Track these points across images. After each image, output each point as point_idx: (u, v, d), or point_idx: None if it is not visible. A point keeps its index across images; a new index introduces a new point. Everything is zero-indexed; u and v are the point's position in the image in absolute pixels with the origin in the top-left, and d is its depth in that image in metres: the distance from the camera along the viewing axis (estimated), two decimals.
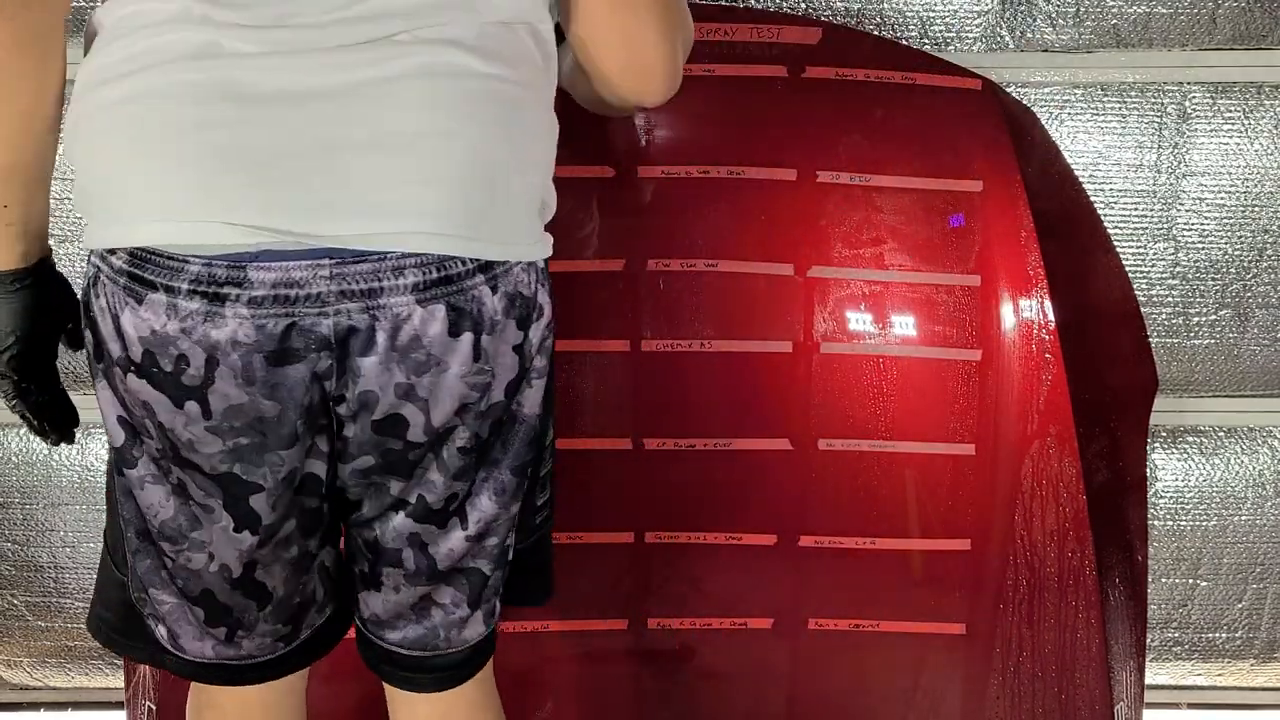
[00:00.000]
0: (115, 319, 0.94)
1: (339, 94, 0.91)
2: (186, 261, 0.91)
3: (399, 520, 1.05)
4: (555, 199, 1.04)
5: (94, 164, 0.95)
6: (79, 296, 1.00)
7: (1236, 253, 1.74)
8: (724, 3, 1.62)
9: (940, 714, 1.59)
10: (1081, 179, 1.63)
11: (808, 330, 1.50)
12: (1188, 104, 1.68)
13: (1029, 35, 1.66)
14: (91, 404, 1.05)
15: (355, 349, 0.94)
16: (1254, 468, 1.84)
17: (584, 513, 1.51)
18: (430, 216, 0.93)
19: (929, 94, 1.52)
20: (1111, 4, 1.65)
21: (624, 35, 1.04)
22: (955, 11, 1.65)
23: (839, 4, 1.64)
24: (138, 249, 0.92)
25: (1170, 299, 1.76)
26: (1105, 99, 1.69)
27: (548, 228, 1.04)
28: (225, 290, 0.91)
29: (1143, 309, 1.62)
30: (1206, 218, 1.73)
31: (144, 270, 0.92)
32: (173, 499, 1.02)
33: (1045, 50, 1.67)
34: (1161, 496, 1.85)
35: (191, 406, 0.95)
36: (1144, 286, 1.74)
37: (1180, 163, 1.71)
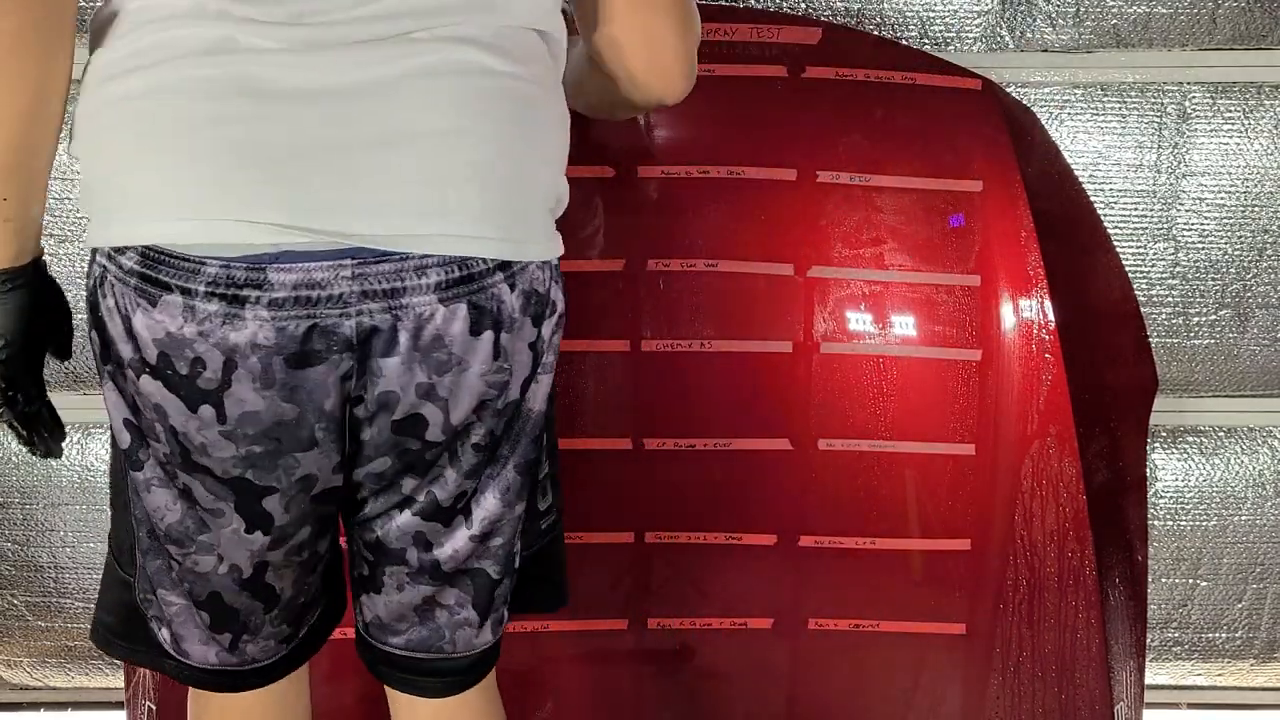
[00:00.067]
0: (127, 320, 0.93)
1: (358, 91, 0.90)
2: (203, 263, 0.90)
3: (403, 519, 1.04)
4: (568, 194, 1.04)
5: (104, 161, 0.93)
6: (85, 297, 0.98)
7: (1236, 253, 1.74)
8: (724, 3, 1.62)
9: (940, 714, 1.59)
10: (1081, 179, 1.63)
11: (808, 330, 1.50)
12: (1188, 104, 1.68)
13: (1029, 35, 1.66)
14: (91, 404, 1.04)
15: (377, 350, 0.93)
16: (1254, 468, 1.84)
17: (584, 513, 1.51)
18: (454, 216, 0.93)
19: (929, 94, 1.52)
20: (1111, 4, 1.65)
21: (646, 35, 1.06)
22: (955, 11, 1.65)
23: (839, 4, 1.64)
24: (150, 249, 0.91)
25: (1170, 299, 1.76)
26: (1105, 99, 1.69)
27: None
28: (245, 292, 0.90)
29: (1143, 309, 1.62)
30: (1206, 218, 1.73)
31: (157, 271, 0.90)
32: (179, 503, 1.01)
33: (1045, 50, 1.67)
34: (1161, 496, 1.85)
35: (206, 410, 0.93)
36: (1144, 286, 1.74)
37: (1180, 163, 1.71)
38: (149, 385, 0.94)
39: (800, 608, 1.57)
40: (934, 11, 1.65)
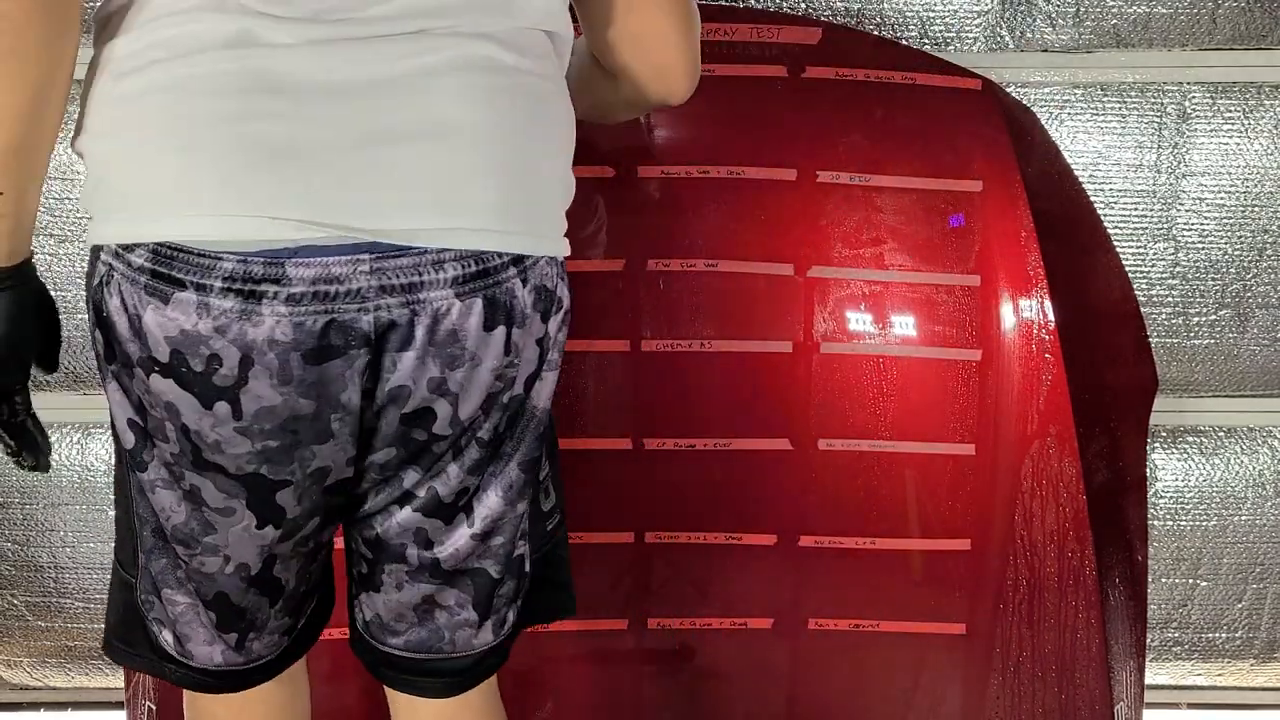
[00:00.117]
0: (136, 319, 0.91)
1: (376, 87, 0.90)
2: (219, 258, 0.88)
3: (404, 515, 1.04)
4: (574, 189, 1.04)
5: (115, 156, 0.91)
6: (86, 297, 0.97)
7: (1236, 253, 1.74)
8: (724, 3, 1.62)
9: (940, 714, 1.59)
10: (1081, 179, 1.63)
11: (808, 330, 1.50)
12: (1188, 104, 1.68)
13: (1029, 35, 1.66)
14: (91, 404, 1.04)
15: (392, 344, 0.93)
16: (1254, 468, 1.84)
17: (584, 513, 1.51)
18: (473, 211, 0.93)
19: (929, 94, 1.52)
20: (1111, 4, 1.65)
21: (654, 33, 1.07)
22: (955, 11, 1.65)
23: (839, 4, 1.64)
24: (162, 246, 0.89)
25: (1170, 299, 1.76)
26: (1105, 99, 1.69)
27: None
28: (262, 288, 0.89)
29: (1143, 309, 1.62)
30: (1206, 218, 1.73)
31: (170, 268, 0.89)
32: (184, 505, 1.00)
33: (1045, 50, 1.67)
34: (1161, 496, 1.85)
35: (221, 407, 0.92)
36: (1144, 286, 1.74)
37: (1180, 163, 1.71)
38: (160, 384, 0.93)
39: (800, 608, 1.57)
40: (934, 11, 1.65)
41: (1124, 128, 1.70)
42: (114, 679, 1.91)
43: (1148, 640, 1.67)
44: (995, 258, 1.50)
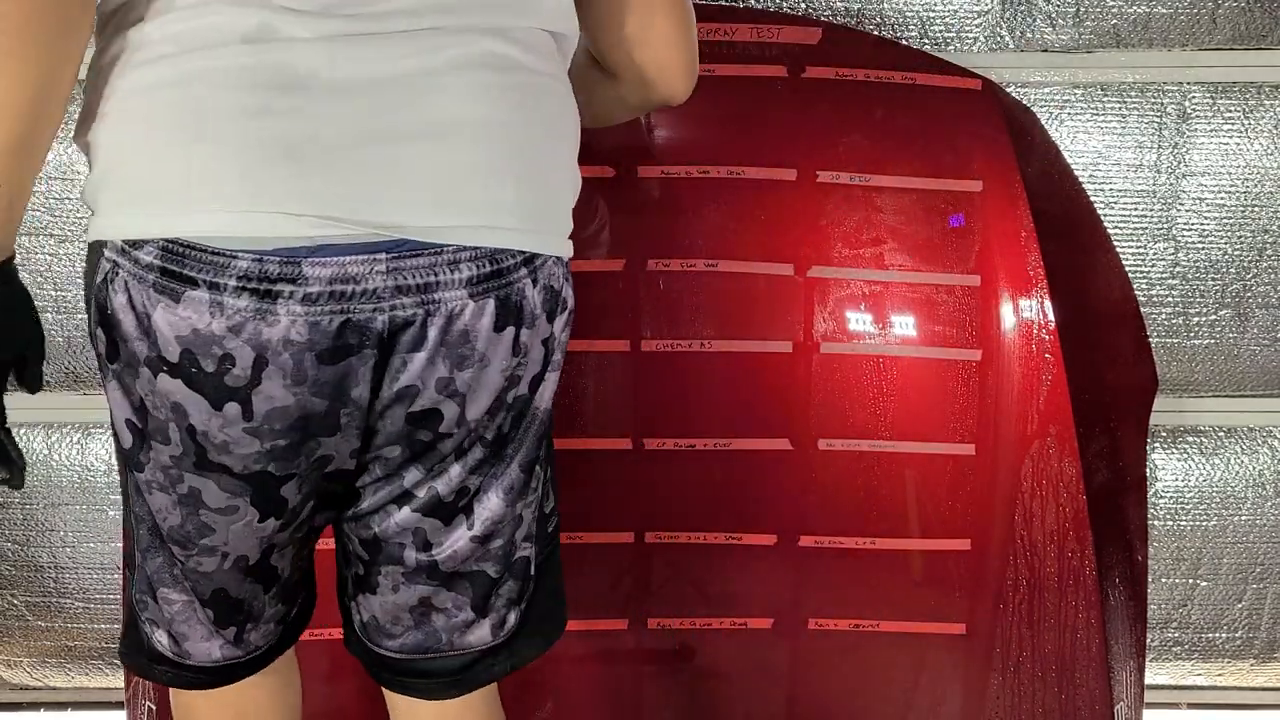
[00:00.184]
0: (144, 317, 0.89)
1: (394, 83, 0.89)
2: (234, 256, 0.87)
3: (402, 515, 1.03)
4: (580, 189, 1.05)
5: (125, 148, 0.89)
6: (87, 295, 0.94)
7: (1236, 253, 1.74)
8: (724, 3, 1.62)
9: (940, 714, 1.59)
10: (1081, 179, 1.63)
11: (808, 330, 1.50)
12: (1188, 104, 1.68)
13: (1029, 35, 1.66)
14: (91, 404, 1.02)
15: (404, 344, 0.92)
16: (1254, 468, 1.84)
17: (584, 513, 1.51)
18: (492, 208, 0.93)
19: (929, 94, 1.52)
20: (1111, 4, 1.65)
21: (657, 34, 1.08)
22: (955, 11, 1.65)
23: (839, 4, 1.64)
24: (173, 242, 0.87)
25: (1170, 299, 1.76)
26: (1105, 99, 1.69)
27: None
28: (278, 287, 0.87)
29: (1143, 309, 1.62)
30: (1206, 218, 1.73)
31: (181, 265, 0.87)
32: (179, 509, 0.99)
33: (1045, 50, 1.67)
34: (1161, 496, 1.85)
35: (232, 408, 0.91)
36: (1144, 286, 1.74)
37: (1180, 163, 1.71)
38: (168, 384, 0.91)
39: (800, 608, 1.57)
40: (934, 11, 1.65)
41: (1124, 128, 1.70)
42: (114, 679, 1.91)
43: (1148, 640, 1.67)
44: (995, 258, 1.50)
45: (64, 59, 0.86)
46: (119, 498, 1.07)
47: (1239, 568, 1.88)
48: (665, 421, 1.51)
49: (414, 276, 0.90)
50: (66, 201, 1.70)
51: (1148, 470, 1.64)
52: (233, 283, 0.87)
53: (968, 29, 1.66)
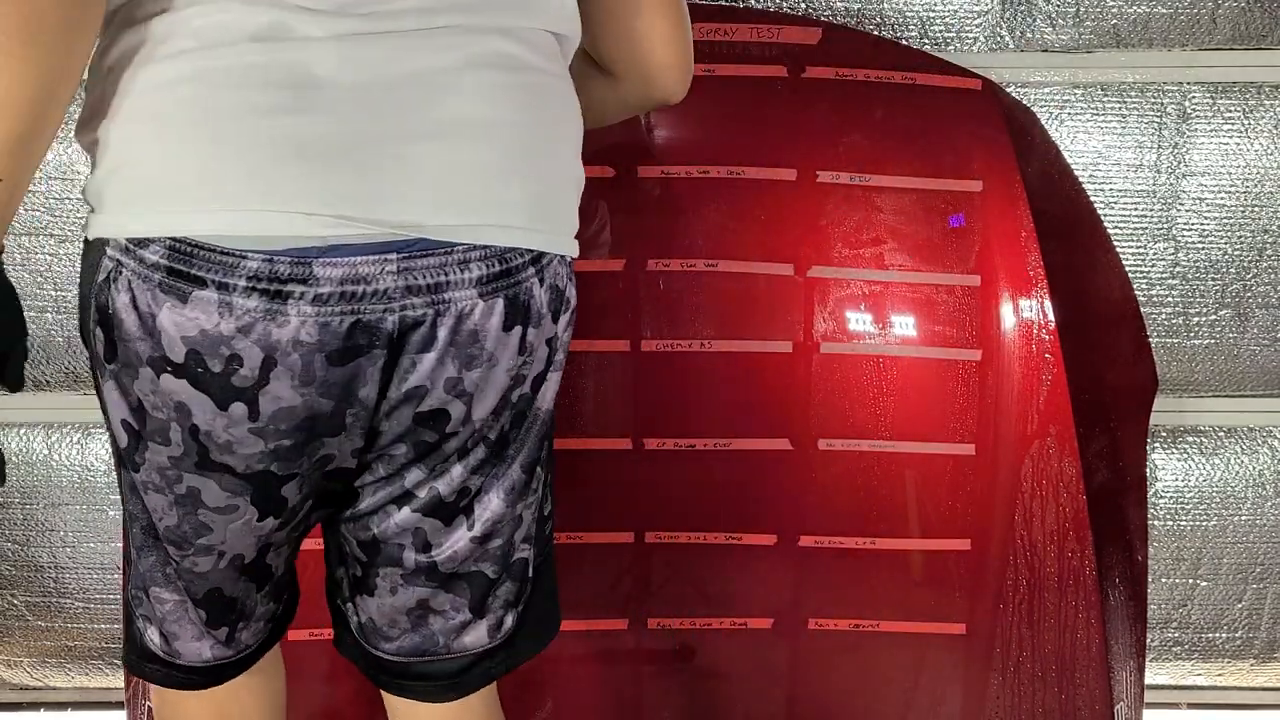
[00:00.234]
0: (149, 317, 0.88)
1: (406, 82, 0.88)
2: (243, 256, 0.86)
3: (402, 515, 1.03)
4: (583, 188, 1.05)
5: (133, 145, 0.87)
6: (86, 294, 0.92)
7: (1236, 253, 1.74)
8: (724, 3, 1.62)
9: (940, 714, 1.59)
10: (1081, 179, 1.63)
11: (808, 330, 1.50)
12: (1188, 104, 1.68)
13: (1029, 35, 1.66)
14: (91, 404, 1.01)
15: (413, 345, 0.92)
16: (1254, 468, 1.84)
17: (584, 513, 1.51)
18: (504, 209, 0.92)
19: (929, 94, 1.52)
20: (1111, 4, 1.65)
21: (658, 33, 1.08)
22: (955, 11, 1.65)
23: (839, 4, 1.64)
24: (181, 241, 0.86)
25: (1170, 299, 1.76)
26: (1105, 99, 1.69)
27: None
28: (289, 288, 0.86)
29: (1143, 309, 1.62)
30: (1206, 218, 1.73)
31: (189, 265, 0.86)
32: (175, 509, 0.98)
33: (1045, 50, 1.67)
34: (1161, 496, 1.85)
35: (237, 408, 0.90)
36: (1144, 286, 1.74)
37: (1180, 163, 1.71)
38: (172, 384, 0.90)
39: (800, 608, 1.57)
40: (934, 11, 1.65)
41: (1124, 128, 1.70)
42: (114, 679, 1.91)
43: (1148, 640, 1.67)
44: (995, 258, 1.50)
45: (67, 58, 0.84)
46: (119, 498, 1.07)
47: (1239, 568, 1.88)
48: (665, 421, 1.51)
49: (424, 276, 0.90)
50: (66, 201, 1.70)
51: (1148, 470, 1.64)
52: (242, 283, 0.86)
53: (968, 29, 1.66)
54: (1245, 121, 1.69)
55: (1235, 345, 1.78)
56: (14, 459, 1.83)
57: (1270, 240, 1.74)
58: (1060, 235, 1.53)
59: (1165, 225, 1.74)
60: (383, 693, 1.16)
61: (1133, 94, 1.69)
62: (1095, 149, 1.70)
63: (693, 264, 1.49)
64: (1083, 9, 1.65)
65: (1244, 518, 1.85)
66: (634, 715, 1.62)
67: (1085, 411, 1.51)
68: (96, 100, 0.90)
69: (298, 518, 1.03)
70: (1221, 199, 1.72)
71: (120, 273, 0.88)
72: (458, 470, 1.01)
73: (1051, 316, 1.49)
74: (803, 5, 1.64)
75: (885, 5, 1.65)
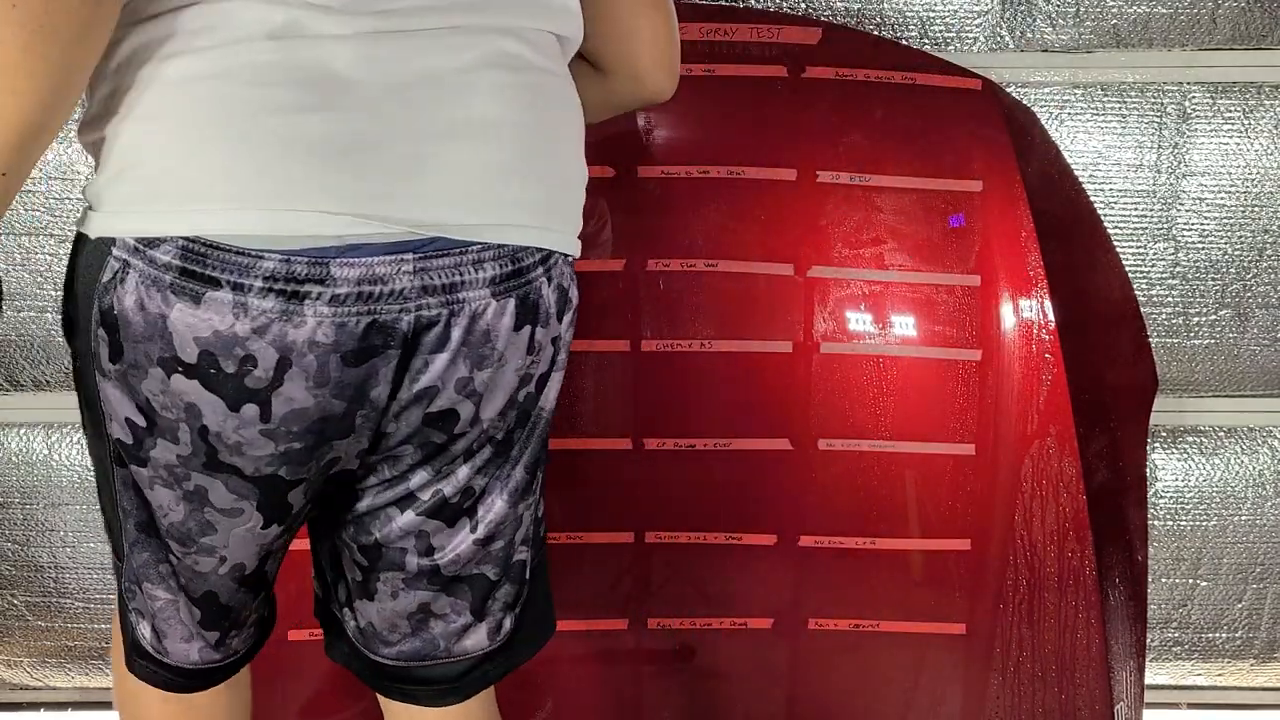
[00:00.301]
0: (159, 319, 0.86)
1: (421, 81, 0.88)
2: (260, 257, 0.85)
3: (405, 518, 1.02)
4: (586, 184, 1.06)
5: (146, 143, 0.86)
6: (88, 293, 0.90)
7: (1236, 253, 1.74)
8: (724, 3, 1.62)
9: (940, 714, 1.59)
10: (1081, 179, 1.63)
11: (808, 330, 1.50)
12: (1188, 104, 1.68)
13: (1029, 35, 1.66)
14: (68, 403, 0.99)
15: (427, 345, 0.91)
16: (1254, 468, 1.84)
17: (584, 513, 1.51)
18: (518, 207, 0.93)
19: (929, 94, 1.52)
20: (1111, 4, 1.65)
21: (651, 31, 1.10)
22: (955, 11, 1.65)
23: (839, 4, 1.64)
24: (195, 241, 0.84)
25: (1170, 299, 1.76)
26: (1105, 99, 1.69)
27: None
28: (306, 288, 0.86)
29: (1143, 309, 1.62)
30: (1206, 218, 1.73)
31: (203, 266, 0.85)
32: (183, 504, 0.97)
33: (1045, 50, 1.67)
34: (1161, 496, 1.85)
35: (249, 409, 0.89)
36: (1144, 286, 1.74)
37: (1180, 163, 1.71)
38: (182, 385, 0.89)
39: (800, 608, 1.57)
40: (934, 11, 1.65)
41: (1124, 128, 1.70)
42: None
43: (1148, 640, 1.67)
44: (995, 258, 1.50)
45: (81, 57, 0.83)
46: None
47: (1239, 568, 1.88)
48: (665, 421, 1.51)
49: (440, 276, 0.90)
50: (66, 201, 1.70)
51: (1148, 470, 1.64)
52: (258, 283, 0.85)
53: (968, 29, 1.66)
54: (1245, 121, 1.69)
55: (1235, 345, 1.78)
56: (14, 459, 1.83)
57: (1270, 240, 1.74)
58: (1060, 235, 1.53)
59: (1165, 225, 1.74)
60: (379, 697, 1.16)
61: (1133, 94, 1.69)
62: (1095, 149, 1.70)
63: (693, 264, 1.49)
64: (1083, 9, 1.65)
65: (1244, 518, 1.85)
66: (634, 715, 1.62)
67: (1085, 411, 1.51)
68: (104, 98, 0.89)
69: (298, 523, 1.02)
70: (1221, 199, 1.72)
71: (128, 273, 0.87)
72: (463, 471, 1.01)
73: (1051, 316, 1.49)
74: (803, 5, 1.64)
75: (885, 5, 1.65)
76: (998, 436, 1.51)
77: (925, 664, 1.58)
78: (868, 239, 1.50)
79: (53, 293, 1.73)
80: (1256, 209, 1.73)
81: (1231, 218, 1.73)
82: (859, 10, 1.64)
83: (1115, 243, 1.61)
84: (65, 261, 1.71)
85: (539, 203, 0.95)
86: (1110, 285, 1.59)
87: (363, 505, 1.03)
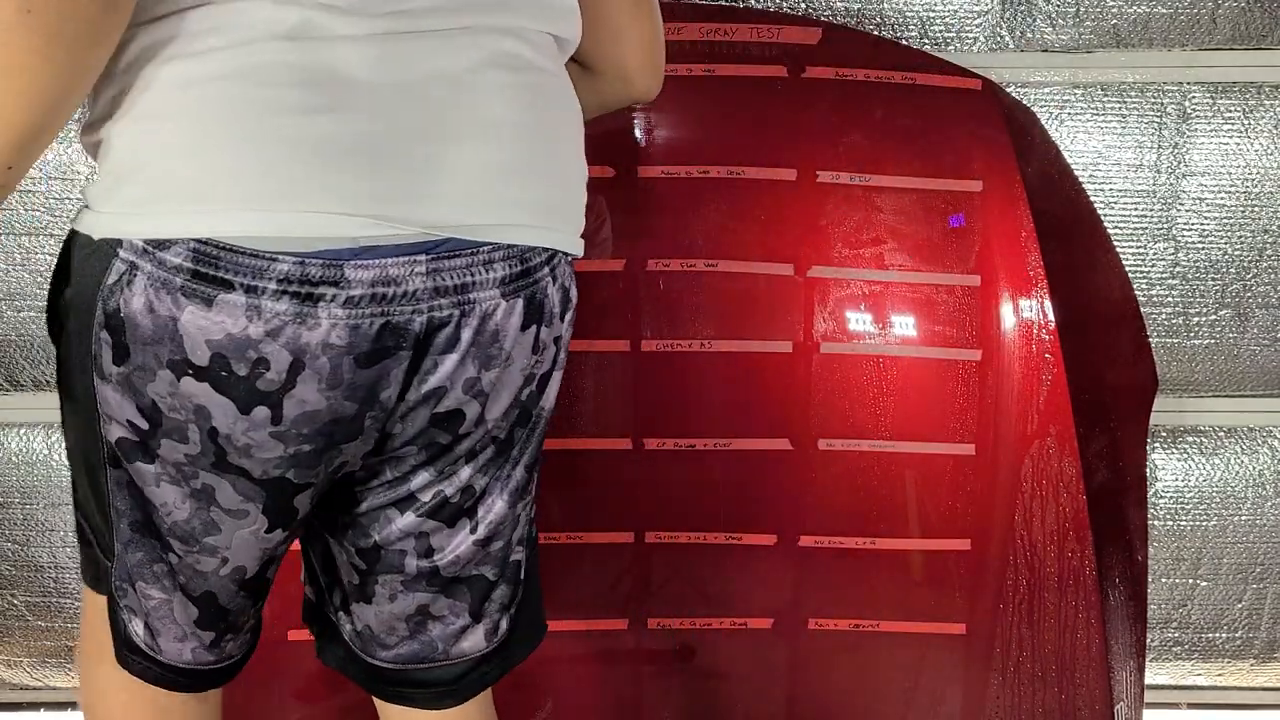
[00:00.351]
0: (169, 321, 0.86)
1: (432, 82, 0.88)
2: (273, 259, 0.84)
3: (405, 520, 1.02)
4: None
5: (155, 144, 0.85)
6: (90, 295, 0.88)
7: (1236, 253, 1.74)
8: (724, 3, 1.62)
9: (940, 714, 1.59)
10: (1081, 179, 1.63)
11: (808, 330, 1.50)
12: (1188, 104, 1.68)
13: (1029, 35, 1.66)
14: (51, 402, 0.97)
15: (438, 345, 0.91)
16: (1254, 468, 1.84)
17: (584, 513, 1.51)
18: (523, 208, 0.93)
19: (929, 94, 1.52)
20: (1111, 4, 1.65)
21: (641, 33, 1.11)
22: (955, 11, 1.65)
23: (839, 4, 1.64)
24: (207, 243, 0.84)
25: (1170, 299, 1.76)
26: (1105, 99, 1.69)
27: None
28: (320, 290, 0.85)
29: (1143, 309, 1.62)
30: (1206, 218, 1.73)
31: (215, 268, 0.84)
32: (189, 502, 0.96)
33: (1045, 50, 1.67)
34: (1161, 496, 1.85)
35: (260, 412, 0.89)
36: (1144, 286, 1.74)
37: (1180, 163, 1.71)
38: (193, 387, 0.88)
39: (800, 608, 1.57)
40: (934, 11, 1.65)
41: (1124, 128, 1.70)
42: None
43: (1148, 640, 1.67)
44: (995, 258, 1.50)
45: (90, 59, 0.82)
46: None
47: (1239, 568, 1.87)
48: (665, 421, 1.51)
49: (452, 277, 0.90)
50: (66, 201, 1.70)
51: (1148, 470, 1.64)
52: (272, 286, 0.85)
53: (968, 29, 1.66)
54: (1245, 121, 1.69)
55: (1235, 345, 1.78)
56: (14, 459, 1.83)
57: (1270, 240, 1.74)
58: (1060, 235, 1.53)
59: (1165, 225, 1.74)
60: (376, 701, 1.15)
61: (1133, 94, 1.69)
62: (1095, 149, 1.70)
63: (693, 264, 1.49)
64: (1083, 9, 1.65)
65: (1244, 518, 1.85)
66: (634, 715, 1.62)
67: (1085, 411, 1.51)
68: (111, 99, 0.88)
69: (300, 527, 1.02)
70: (1221, 199, 1.72)
71: (135, 275, 0.86)
72: (466, 472, 1.01)
73: (1051, 316, 1.49)
74: (803, 5, 1.64)
75: (885, 5, 1.65)
76: (998, 436, 1.51)
77: (925, 664, 1.58)
78: (868, 239, 1.50)
79: None
80: (1256, 209, 1.73)
81: (1231, 218, 1.73)
82: (859, 10, 1.64)
83: (1115, 243, 1.61)
84: None
85: (543, 203, 0.95)
86: (1110, 285, 1.59)
87: (362, 507, 1.03)
